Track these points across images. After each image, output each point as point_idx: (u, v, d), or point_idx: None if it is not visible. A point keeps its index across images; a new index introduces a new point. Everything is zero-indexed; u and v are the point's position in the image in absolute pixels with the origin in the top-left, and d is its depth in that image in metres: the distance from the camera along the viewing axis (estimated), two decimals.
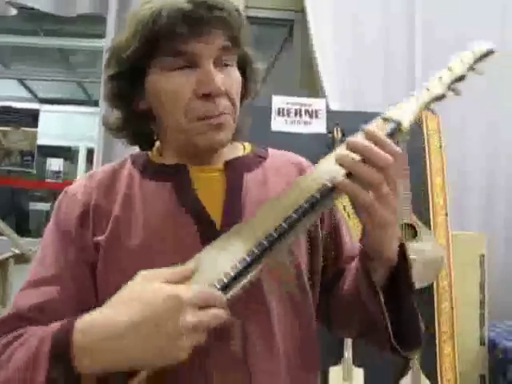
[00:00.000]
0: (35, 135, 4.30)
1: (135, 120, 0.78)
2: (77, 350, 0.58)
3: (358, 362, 1.74)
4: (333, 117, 1.95)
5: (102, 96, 0.77)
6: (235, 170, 0.78)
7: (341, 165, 0.61)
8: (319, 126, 1.96)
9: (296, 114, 1.96)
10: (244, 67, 0.78)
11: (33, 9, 2.26)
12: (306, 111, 1.97)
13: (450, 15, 2.31)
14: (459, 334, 1.82)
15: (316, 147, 1.92)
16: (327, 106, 2.03)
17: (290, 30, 2.60)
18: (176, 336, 0.55)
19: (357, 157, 0.60)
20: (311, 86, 2.35)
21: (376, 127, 0.65)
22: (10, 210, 3.98)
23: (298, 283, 0.75)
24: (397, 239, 0.67)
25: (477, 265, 1.93)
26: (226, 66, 0.73)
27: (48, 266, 0.72)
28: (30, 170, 4.08)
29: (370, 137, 0.61)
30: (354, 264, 0.77)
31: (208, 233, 0.71)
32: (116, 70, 0.73)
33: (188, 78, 0.70)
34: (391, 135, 0.64)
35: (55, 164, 4.54)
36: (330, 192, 0.62)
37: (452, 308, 1.82)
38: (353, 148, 0.61)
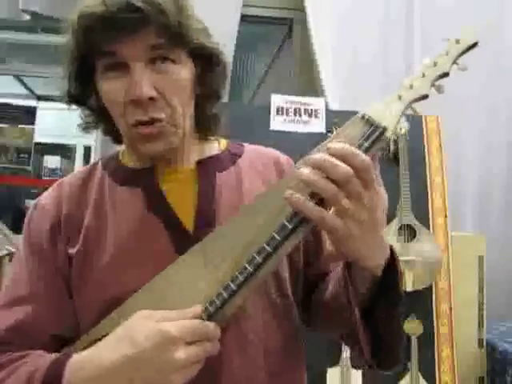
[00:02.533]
0: (32, 132, 4.27)
1: (95, 116, 0.76)
2: None
3: (356, 364, 1.73)
4: (332, 116, 1.93)
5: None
6: (207, 171, 0.76)
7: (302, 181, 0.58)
8: (318, 126, 1.94)
9: (295, 113, 1.95)
10: (201, 60, 0.73)
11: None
12: (305, 110, 1.96)
13: (449, 16, 2.31)
14: (458, 336, 1.81)
15: (315, 146, 1.90)
16: (326, 106, 2.02)
17: (289, 28, 2.58)
18: (166, 373, 0.55)
19: (316, 173, 0.57)
20: (310, 85, 2.34)
21: (352, 127, 0.61)
22: (7, 207, 3.96)
23: (279, 288, 0.73)
24: (381, 248, 0.63)
25: (476, 266, 1.92)
26: (165, 66, 0.68)
27: (21, 283, 0.71)
28: (27, 168, 4.06)
29: (330, 151, 0.57)
30: (338, 268, 0.74)
31: (181, 240, 0.69)
32: (67, 70, 0.72)
33: (120, 83, 0.67)
34: (374, 141, 0.60)
35: (52, 161, 4.52)
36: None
37: (451, 309, 1.81)
38: (309, 164, 0.57)
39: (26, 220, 0.76)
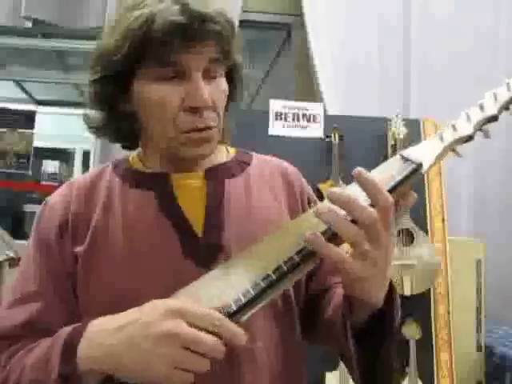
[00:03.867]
0: (31, 137, 4.28)
1: (118, 121, 0.76)
2: (82, 352, 0.60)
3: None
4: (330, 121, 1.95)
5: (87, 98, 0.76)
6: (216, 178, 0.77)
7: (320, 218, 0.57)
8: (317, 131, 1.95)
9: (294, 119, 1.96)
10: (231, 75, 0.77)
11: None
12: (304, 115, 1.97)
13: (446, 23, 2.33)
14: (456, 340, 1.81)
15: (313, 151, 1.91)
16: (325, 111, 2.03)
17: (287, 33, 2.60)
18: (161, 342, 0.54)
19: (338, 210, 0.56)
20: (309, 90, 2.35)
21: (392, 167, 0.60)
22: (6, 212, 3.96)
23: (283, 300, 0.74)
24: (384, 287, 0.62)
25: (474, 270, 1.92)
26: (214, 77, 0.72)
27: (31, 280, 0.72)
28: (26, 172, 4.06)
29: (363, 184, 0.56)
30: (339, 293, 0.73)
31: (190, 244, 0.71)
32: (102, 74, 0.72)
33: (176, 90, 0.69)
34: (407, 177, 0.59)
35: (51, 166, 4.52)
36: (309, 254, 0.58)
37: (449, 313, 1.81)
38: (333, 200, 0.56)
39: (35, 218, 0.77)
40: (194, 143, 0.71)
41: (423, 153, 0.61)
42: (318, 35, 2.26)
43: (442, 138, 0.62)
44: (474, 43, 2.32)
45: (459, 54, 2.29)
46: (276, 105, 1.97)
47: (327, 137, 1.92)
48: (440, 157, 0.62)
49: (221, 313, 0.56)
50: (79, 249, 0.71)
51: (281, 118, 1.96)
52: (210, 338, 0.54)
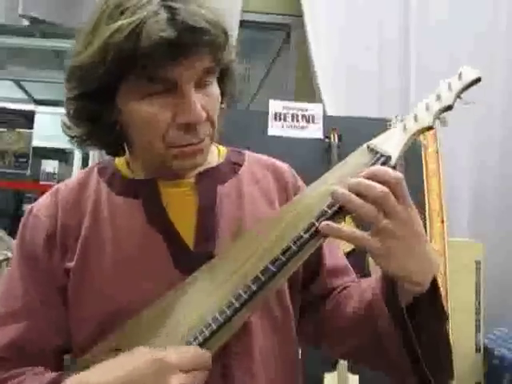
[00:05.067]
0: (30, 137, 4.27)
1: (102, 133, 0.71)
2: None
3: (353, 369, 1.73)
4: (329, 122, 1.95)
5: (66, 113, 0.70)
6: (208, 184, 0.74)
7: (334, 199, 0.60)
8: (316, 131, 1.95)
9: (293, 119, 1.95)
10: (224, 77, 0.73)
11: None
12: (303, 116, 1.96)
13: (444, 25, 2.33)
14: (455, 341, 1.81)
15: (313, 152, 1.91)
16: (324, 111, 2.03)
17: (287, 34, 2.59)
18: None
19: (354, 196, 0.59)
20: (308, 90, 2.34)
21: (357, 157, 0.63)
22: (5, 211, 3.95)
23: (279, 301, 0.72)
24: (429, 261, 0.62)
25: (473, 271, 1.92)
26: (206, 85, 0.67)
27: (16, 296, 0.69)
28: (25, 172, 4.06)
29: (363, 175, 0.59)
30: (366, 286, 0.73)
31: (180, 255, 0.68)
32: (79, 91, 0.65)
33: (166, 105, 0.63)
34: None
35: (50, 166, 4.51)
36: (316, 233, 0.60)
37: (448, 314, 1.81)
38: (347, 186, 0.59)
39: (20, 228, 0.73)
40: (187, 156, 0.67)
41: (389, 144, 0.64)
42: (317, 36, 2.26)
43: (405, 129, 0.66)
44: (473, 45, 2.32)
45: (458, 56, 2.29)
46: (275, 105, 1.97)
47: (326, 137, 1.91)
48: (405, 147, 0.66)
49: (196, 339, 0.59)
50: (70, 264, 0.68)
51: (280, 119, 1.95)
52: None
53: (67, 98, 0.68)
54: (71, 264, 0.68)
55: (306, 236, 0.60)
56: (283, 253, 0.60)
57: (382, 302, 0.66)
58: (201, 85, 0.65)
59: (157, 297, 0.64)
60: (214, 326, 0.59)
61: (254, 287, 0.60)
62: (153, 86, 0.62)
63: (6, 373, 0.64)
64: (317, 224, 0.60)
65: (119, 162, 0.78)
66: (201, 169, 0.75)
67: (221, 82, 0.72)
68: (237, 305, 0.59)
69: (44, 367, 0.66)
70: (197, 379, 0.57)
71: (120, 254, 0.68)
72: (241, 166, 0.79)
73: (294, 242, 0.60)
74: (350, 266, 0.83)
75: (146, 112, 0.64)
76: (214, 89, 0.69)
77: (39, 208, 0.73)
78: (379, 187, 0.57)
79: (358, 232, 0.59)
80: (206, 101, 0.65)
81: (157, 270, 0.67)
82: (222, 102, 0.72)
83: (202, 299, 0.63)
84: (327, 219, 0.60)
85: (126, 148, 0.75)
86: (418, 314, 0.64)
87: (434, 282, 0.64)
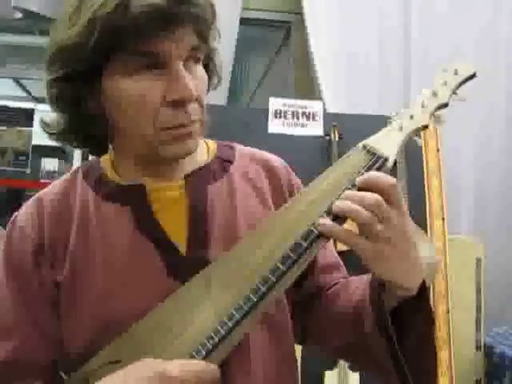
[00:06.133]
0: (30, 135, 4.27)
1: (84, 123, 0.68)
2: None
3: (353, 367, 1.73)
4: (330, 119, 1.94)
5: (47, 99, 0.67)
6: (197, 185, 0.71)
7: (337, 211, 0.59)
8: (316, 129, 1.95)
9: (293, 117, 1.95)
10: (208, 61, 0.71)
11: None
12: (303, 113, 1.96)
13: (446, 19, 2.32)
14: (455, 339, 1.81)
15: (313, 150, 1.91)
16: (324, 109, 2.02)
17: (287, 31, 2.59)
18: None
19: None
20: (308, 88, 2.34)
21: (354, 157, 0.63)
22: (5, 210, 3.95)
23: (276, 300, 0.70)
24: (417, 267, 0.62)
25: (473, 268, 1.92)
26: (193, 66, 0.65)
27: (6, 311, 0.66)
28: (25, 170, 4.05)
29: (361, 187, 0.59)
30: (354, 287, 0.73)
31: (174, 263, 0.66)
32: (63, 72, 0.63)
33: (156, 82, 0.61)
34: (377, 170, 0.62)
35: (50, 164, 4.51)
36: (316, 239, 0.60)
37: (448, 312, 1.81)
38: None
39: (5, 240, 0.70)
40: (176, 140, 0.64)
41: (385, 144, 0.63)
42: (317, 33, 2.25)
43: (401, 128, 0.65)
44: (475, 40, 2.31)
45: (460, 52, 2.29)
46: (275, 103, 1.96)
47: (327, 135, 1.91)
48: (402, 146, 0.65)
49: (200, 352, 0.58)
50: (59, 277, 0.66)
51: (280, 116, 1.95)
52: None
53: (48, 81, 0.65)
54: (61, 277, 0.66)
55: (305, 244, 0.60)
56: (283, 262, 0.59)
57: (368, 304, 0.66)
58: (188, 64, 0.64)
59: (151, 306, 0.63)
60: (216, 339, 0.58)
61: (254, 298, 0.59)
62: (140, 61, 0.61)
63: None
64: (315, 232, 0.60)
65: (105, 161, 0.75)
66: (190, 169, 0.72)
67: (206, 70, 0.70)
68: (238, 316, 0.59)
69: (38, 382, 0.65)
70: None
71: (111, 264, 0.66)
72: (231, 162, 0.76)
73: (293, 251, 0.60)
74: (340, 261, 0.83)
75: (134, 91, 0.61)
76: (201, 71, 0.67)
77: (23, 220, 0.70)
78: (370, 197, 0.57)
79: (353, 234, 0.59)
80: (194, 82, 0.63)
81: (150, 279, 0.65)
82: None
83: (201, 310, 0.61)
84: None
85: (110, 145, 0.73)
86: (405, 316, 0.64)
87: (422, 287, 0.64)
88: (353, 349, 0.71)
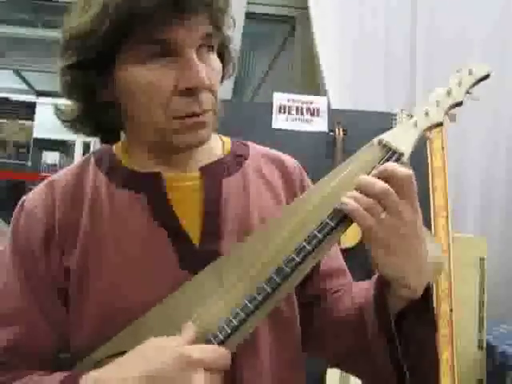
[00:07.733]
0: (31, 128, 4.26)
1: (97, 111, 0.68)
2: None
3: None
4: (334, 115, 1.93)
5: (59, 87, 0.67)
6: (213, 178, 0.71)
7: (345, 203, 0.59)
8: (320, 124, 1.93)
9: (297, 112, 1.93)
10: (222, 50, 0.70)
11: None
12: (308, 109, 1.94)
13: (453, 14, 2.30)
14: (458, 338, 1.80)
15: (317, 145, 1.89)
16: (329, 104, 2.01)
17: (292, 26, 2.57)
18: None
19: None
20: (313, 83, 2.32)
21: (368, 152, 0.64)
22: (6, 203, 3.95)
23: (286, 301, 0.71)
24: (424, 268, 0.61)
25: (476, 267, 1.91)
26: (207, 56, 0.64)
27: (11, 297, 0.66)
28: (26, 163, 4.05)
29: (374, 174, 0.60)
30: (358, 291, 0.72)
31: (186, 254, 0.66)
32: (77, 59, 0.63)
33: (168, 71, 0.61)
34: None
35: (51, 157, 4.50)
36: (334, 227, 0.60)
37: (451, 310, 1.80)
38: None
39: (12, 224, 0.69)
40: (189, 129, 0.63)
41: (401, 140, 0.64)
42: (322, 28, 2.23)
43: (416, 125, 0.66)
44: (483, 35, 2.28)
45: (467, 48, 2.27)
46: (280, 98, 1.95)
47: (331, 131, 1.90)
48: (416, 143, 0.66)
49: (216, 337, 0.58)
50: (69, 263, 0.66)
51: (284, 112, 1.93)
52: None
53: (61, 69, 0.65)
54: (71, 263, 0.66)
55: (320, 236, 0.60)
56: (297, 253, 0.60)
57: (371, 304, 0.65)
58: (201, 53, 0.63)
59: (162, 296, 0.62)
60: (229, 330, 0.58)
61: (268, 288, 0.59)
62: (153, 48, 0.61)
63: (3, 376, 0.62)
64: (331, 223, 0.60)
65: (118, 149, 0.74)
66: (205, 162, 0.72)
67: (220, 59, 0.69)
68: (251, 307, 0.59)
69: (43, 369, 0.64)
70: (215, 378, 0.56)
71: (122, 251, 0.66)
72: (246, 158, 0.77)
73: (309, 242, 0.60)
74: (346, 268, 0.82)
75: (147, 78, 0.61)
76: (215, 61, 0.66)
77: (32, 203, 0.69)
78: (379, 184, 0.58)
79: (369, 216, 0.58)
80: (207, 71, 0.63)
81: (161, 269, 0.65)
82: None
83: (213, 302, 0.61)
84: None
85: (123, 132, 0.73)
86: (408, 320, 0.64)
87: (427, 290, 0.63)
88: (352, 353, 0.70)
